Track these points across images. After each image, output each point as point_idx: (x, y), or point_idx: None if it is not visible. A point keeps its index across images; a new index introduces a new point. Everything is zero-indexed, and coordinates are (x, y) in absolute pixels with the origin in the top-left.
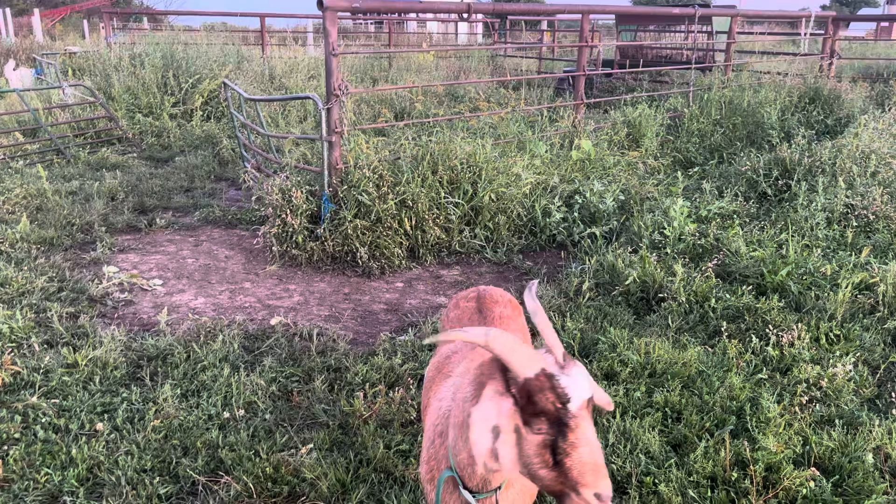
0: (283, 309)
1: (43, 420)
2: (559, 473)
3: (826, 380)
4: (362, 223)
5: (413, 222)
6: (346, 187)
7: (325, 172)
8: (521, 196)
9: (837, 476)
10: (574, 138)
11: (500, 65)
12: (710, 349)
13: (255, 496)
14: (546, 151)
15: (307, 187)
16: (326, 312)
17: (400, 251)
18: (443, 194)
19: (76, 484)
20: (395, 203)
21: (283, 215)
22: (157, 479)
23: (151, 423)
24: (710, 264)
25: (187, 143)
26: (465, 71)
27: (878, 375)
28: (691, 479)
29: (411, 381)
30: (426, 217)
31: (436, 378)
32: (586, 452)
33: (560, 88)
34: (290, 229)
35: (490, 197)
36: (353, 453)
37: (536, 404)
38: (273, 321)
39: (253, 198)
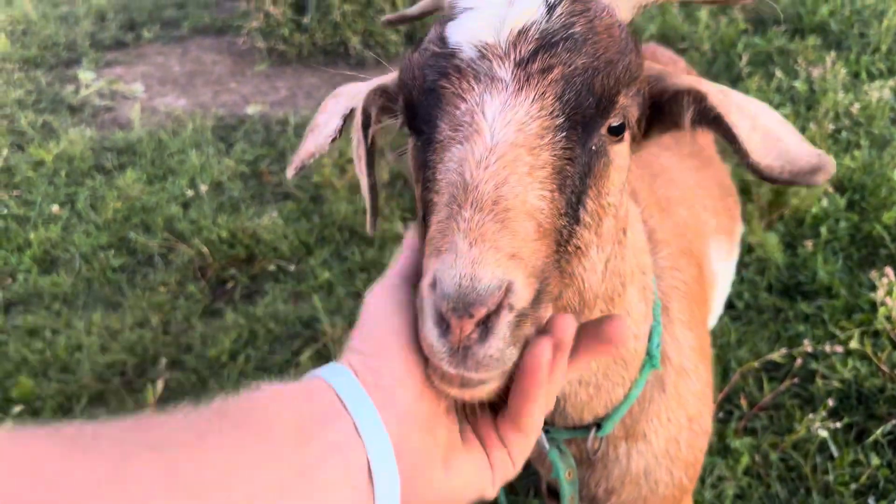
0: (268, 103)
1: (3, 212)
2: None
3: (859, 106)
4: (351, 7)
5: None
6: None
7: None
8: None
9: (857, 195)
10: None
11: None
12: None
13: (211, 259)
14: None
15: None
16: (314, 104)
17: (396, 37)
18: None
19: (31, 262)
20: None
21: (265, 6)
22: (113, 253)
23: (112, 206)
24: (736, 9)
25: None
26: None
27: None
28: None
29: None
30: None
31: None
32: (464, 172)
33: None
34: (275, 22)
35: None
36: (318, 217)
37: (407, 60)
38: (249, 109)
39: None
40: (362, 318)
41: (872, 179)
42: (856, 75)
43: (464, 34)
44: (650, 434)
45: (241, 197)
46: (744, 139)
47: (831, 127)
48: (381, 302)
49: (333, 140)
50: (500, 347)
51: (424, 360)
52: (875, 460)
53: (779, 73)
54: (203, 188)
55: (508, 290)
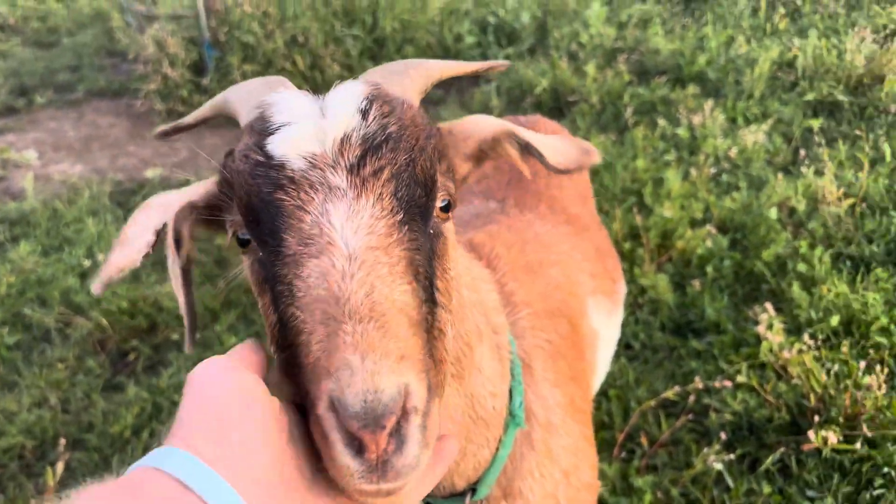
0: (167, 165)
1: None
2: (290, 357)
3: (735, 151)
4: (251, 68)
5: (308, 61)
6: (227, 29)
7: (202, 15)
8: (429, 23)
9: (739, 234)
10: None
11: None
12: (619, 142)
13: (111, 331)
14: None
15: (185, 35)
16: (216, 165)
17: None
18: (338, 27)
19: None
20: (283, 41)
21: (162, 69)
22: (7, 330)
23: (6, 281)
24: (621, 59)
25: (76, 23)
26: None
27: (794, 143)
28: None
29: None
30: (322, 54)
31: None
32: (331, 286)
33: None
34: (173, 84)
35: (393, 26)
36: (223, 281)
37: (230, 173)
38: (148, 173)
39: (130, 56)
40: (192, 397)
41: (752, 219)
42: (733, 121)
43: (289, 146)
44: (526, 492)
45: (142, 264)
46: (544, 154)
47: (712, 170)
48: (217, 380)
49: (146, 255)
50: (416, 454)
51: (279, 426)
52: (766, 488)
53: (662, 122)
54: (101, 257)
55: (408, 392)
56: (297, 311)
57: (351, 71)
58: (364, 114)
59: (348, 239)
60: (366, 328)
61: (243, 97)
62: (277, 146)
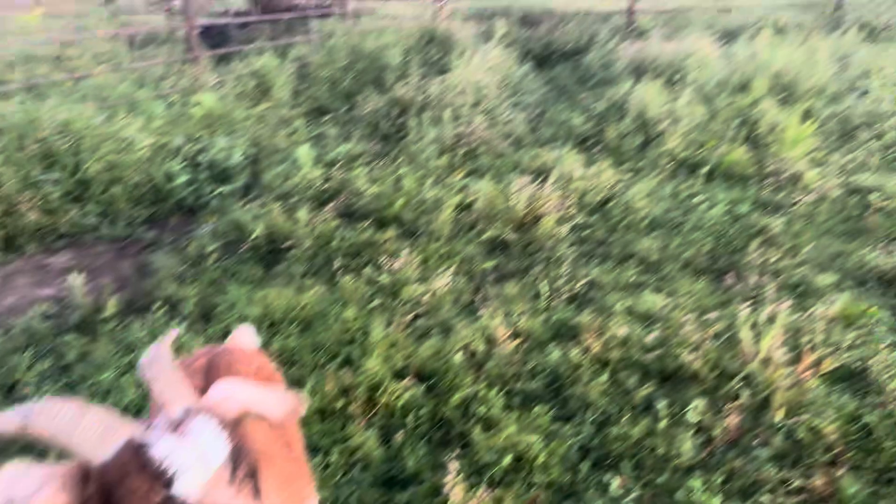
0: None
1: None
2: None
3: (428, 295)
4: None
5: (1, 209)
6: None
7: None
8: (138, 162)
9: (433, 380)
10: (196, 94)
11: (127, 22)
12: (331, 288)
13: None
14: (165, 111)
15: None
16: None
17: None
18: (36, 172)
19: None
20: None
21: None
22: None
23: None
24: (329, 206)
25: None
26: (81, 31)
27: (475, 282)
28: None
29: None
30: (18, 201)
31: None
32: None
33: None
34: None
35: (98, 167)
36: None
37: None
38: None
39: None
40: None
41: (442, 365)
42: (426, 261)
43: (190, 484)
44: None
45: None
46: (270, 416)
47: (410, 317)
48: None
49: None
50: None
51: None
52: None
53: (367, 270)
54: None
55: None
56: None
57: (52, 215)
58: (223, 443)
59: None
60: None
61: (67, 427)
62: (182, 487)
